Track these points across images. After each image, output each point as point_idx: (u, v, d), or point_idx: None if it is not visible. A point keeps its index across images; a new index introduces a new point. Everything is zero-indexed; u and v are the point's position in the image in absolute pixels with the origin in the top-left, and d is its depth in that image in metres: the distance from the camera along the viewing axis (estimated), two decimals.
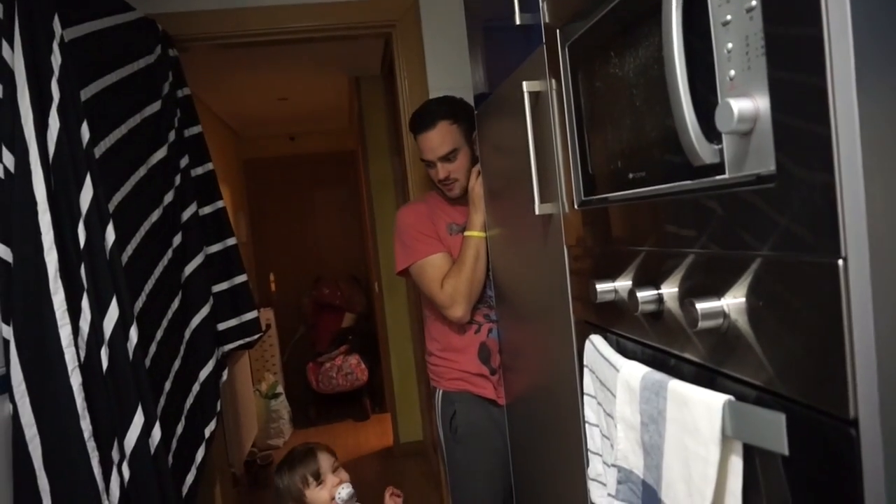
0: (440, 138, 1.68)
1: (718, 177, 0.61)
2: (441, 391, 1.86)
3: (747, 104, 0.54)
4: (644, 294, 0.73)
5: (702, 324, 0.60)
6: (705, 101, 0.61)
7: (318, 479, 1.55)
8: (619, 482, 0.77)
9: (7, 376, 1.14)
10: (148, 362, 1.44)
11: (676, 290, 0.71)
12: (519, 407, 1.56)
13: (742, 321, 0.58)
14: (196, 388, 1.75)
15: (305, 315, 5.27)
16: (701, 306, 0.60)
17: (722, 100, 0.56)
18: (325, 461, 1.55)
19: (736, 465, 0.58)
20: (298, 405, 4.74)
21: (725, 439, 0.58)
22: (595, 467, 0.91)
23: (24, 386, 1.14)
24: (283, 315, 5.02)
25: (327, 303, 5.12)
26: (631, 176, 0.80)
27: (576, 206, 0.99)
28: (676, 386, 0.64)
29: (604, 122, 0.89)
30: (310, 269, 5.50)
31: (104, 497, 1.16)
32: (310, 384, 4.78)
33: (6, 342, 1.15)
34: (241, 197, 5.00)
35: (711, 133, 0.60)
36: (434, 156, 1.69)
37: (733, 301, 0.60)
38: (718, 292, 0.61)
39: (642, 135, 0.77)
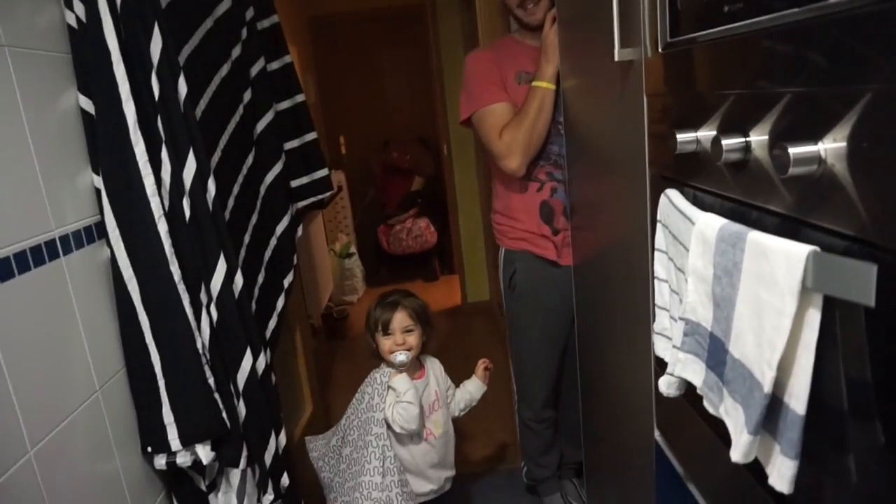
0: None
1: None
2: (504, 249, 1.89)
3: None
4: (730, 141, 0.67)
5: (793, 170, 0.56)
6: None
7: (387, 330, 1.65)
8: (685, 334, 0.77)
9: (102, 223, 1.22)
10: (227, 215, 1.51)
11: (766, 137, 0.65)
12: (588, 265, 1.56)
13: (840, 166, 0.53)
14: (273, 241, 1.84)
15: (375, 178, 5.34)
16: (794, 151, 0.55)
17: None
18: (399, 320, 1.65)
19: (813, 317, 0.56)
20: (370, 265, 4.95)
21: (805, 291, 0.55)
22: (661, 321, 0.91)
23: (117, 231, 1.22)
24: (354, 177, 5.11)
25: (396, 166, 5.15)
26: (727, 9, 0.71)
27: (660, 50, 0.91)
28: (756, 236, 0.61)
29: None
30: (379, 131, 5.48)
31: (196, 334, 1.27)
32: (381, 245, 4.95)
33: (98, 191, 1.22)
34: (308, 57, 4.91)
35: None
36: None
37: (832, 145, 0.54)
38: (815, 136, 0.56)
39: None
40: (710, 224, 0.69)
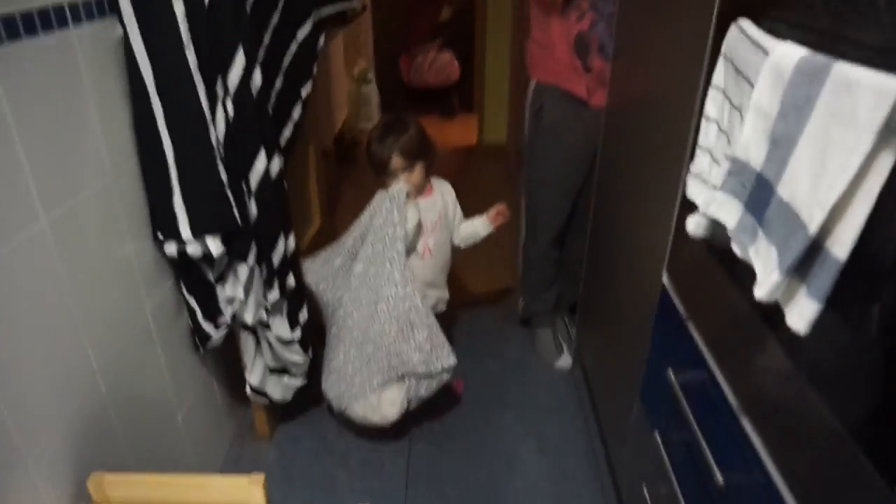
0: None
1: None
2: (535, 81, 1.80)
3: None
4: None
5: None
6: None
7: (386, 170, 1.64)
8: (729, 174, 0.73)
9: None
10: (248, 8, 1.40)
11: None
12: (623, 106, 1.48)
13: None
14: (293, 47, 1.73)
15: (402, 2, 4.99)
16: None
17: None
18: (395, 164, 1.66)
19: (885, 162, 0.52)
20: (387, 94, 4.78)
21: (884, 132, 0.50)
22: (700, 163, 0.86)
23: (130, 8, 1.13)
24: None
25: None
26: None
27: None
28: (843, 69, 0.55)
29: None
30: None
31: (211, 127, 1.23)
32: (401, 76, 4.75)
33: None
34: None
35: None
36: None
37: None
38: None
39: None
40: (789, 55, 0.63)
